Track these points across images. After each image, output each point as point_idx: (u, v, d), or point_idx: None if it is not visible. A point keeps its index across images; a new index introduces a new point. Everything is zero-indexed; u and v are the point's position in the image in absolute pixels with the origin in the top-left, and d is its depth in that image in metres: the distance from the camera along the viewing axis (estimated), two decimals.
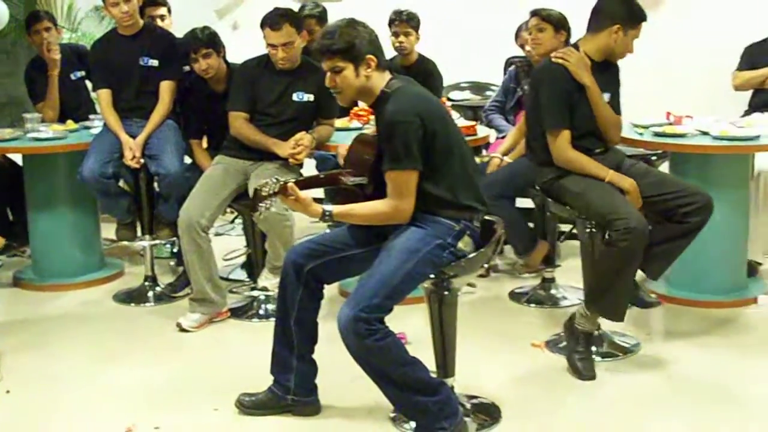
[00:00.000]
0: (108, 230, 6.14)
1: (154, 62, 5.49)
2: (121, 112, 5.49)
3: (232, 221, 7.11)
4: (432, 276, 3.59)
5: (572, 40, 4.96)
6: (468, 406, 3.86)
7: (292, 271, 3.75)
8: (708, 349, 4.56)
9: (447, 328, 3.74)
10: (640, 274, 4.36)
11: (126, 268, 6.17)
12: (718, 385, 4.18)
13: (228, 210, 5.64)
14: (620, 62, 4.54)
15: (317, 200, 3.63)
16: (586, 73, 4.33)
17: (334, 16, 4.93)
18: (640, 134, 5.17)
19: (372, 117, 5.20)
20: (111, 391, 4.24)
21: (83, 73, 6.22)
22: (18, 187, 5.92)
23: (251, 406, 3.93)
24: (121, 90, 5.53)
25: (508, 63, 6.38)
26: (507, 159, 5.42)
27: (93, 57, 5.78)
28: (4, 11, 6.82)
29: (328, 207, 3.58)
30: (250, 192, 4.79)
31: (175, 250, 5.95)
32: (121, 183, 5.63)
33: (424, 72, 5.90)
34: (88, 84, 6.25)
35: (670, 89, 6.73)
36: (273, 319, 3.94)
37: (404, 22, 6.02)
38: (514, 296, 5.43)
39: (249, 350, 4.66)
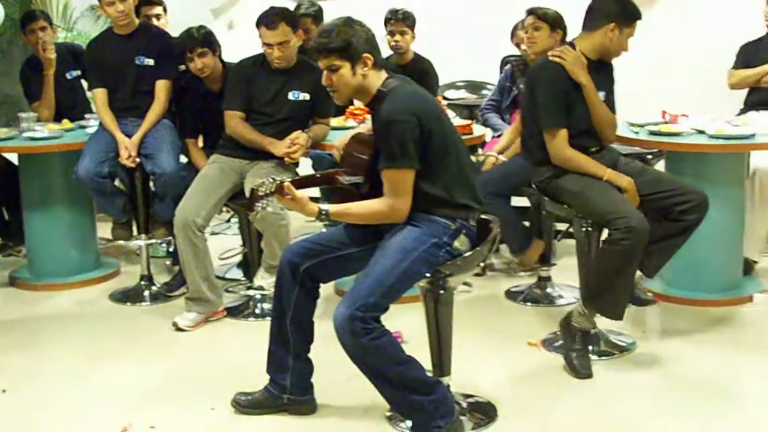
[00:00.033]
0: (104, 229, 6.13)
1: (150, 61, 5.49)
2: (116, 112, 5.49)
3: (228, 220, 7.11)
4: (428, 275, 3.59)
5: (568, 39, 4.96)
6: (464, 404, 3.86)
7: (288, 270, 3.75)
8: (704, 348, 4.56)
9: (443, 326, 3.74)
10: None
11: (122, 267, 6.16)
12: (714, 382, 4.18)
13: (224, 209, 5.63)
14: (616, 61, 4.55)
15: (313, 199, 3.63)
16: (582, 72, 4.33)
17: (329, 15, 4.92)
18: (636, 133, 5.17)
19: (367, 115, 5.20)
20: (107, 391, 4.24)
21: (79, 72, 6.21)
22: (13, 187, 5.91)
23: (247, 405, 3.93)
24: (116, 89, 5.52)
25: (504, 62, 6.38)
26: (502, 158, 5.42)
27: (88, 56, 5.77)
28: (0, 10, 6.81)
29: (325, 206, 3.58)
30: (247, 192, 4.78)
31: (171, 249, 5.95)
32: (117, 182, 5.63)
33: (420, 71, 5.90)
34: (84, 83, 6.23)
35: (665, 88, 6.74)
36: (269, 318, 3.93)
37: (400, 21, 6.02)
38: (511, 295, 5.44)
39: (245, 349, 4.65)
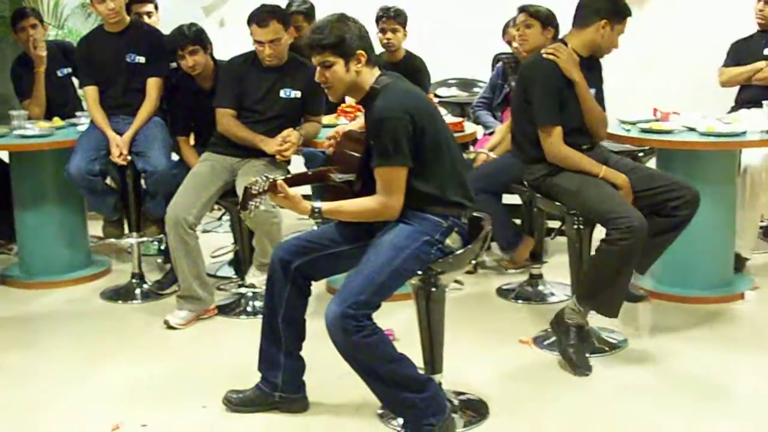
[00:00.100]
0: (95, 227, 6.12)
1: (141, 59, 5.49)
2: (107, 109, 5.48)
3: (220, 218, 7.10)
4: (420, 272, 3.59)
5: (559, 37, 4.97)
6: (456, 402, 3.86)
7: (280, 268, 3.74)
8: (695, 345, 4.57)
9: (434, 324, 3.74)
10: None
11: (113, 265, 6.15)
12: (706, 379, 4.19)
13: (215, 207, 5.63)
14: (608, 58, 4.55)
15: (305, 197, 3.63)
16: (576, 70, 4.34)
17: (321, 13, 4.92)
18: (627, 131, 5.18)
19: (359, 113, 5.20)
20: (98, 389, 4.23)
21: (70, 70, 6.19)
22: (4, 185, 5.89)
23: (239, 403, 3.92)
24: (107, 87, 5.52)
25: (496, 59, 6.39)
26: (492, 155, 5.43)
27: (79, 54, 5.76)
28: None
29: (317, 204, 3.58)
30: (239, 191, 4.78)
31: (162, 247, 5.94)
32: (108, 180, 5.62)
33: (412, 68, 5.90)
34: (75, 81, 6.22)
35: (657, 85, 6.76)
36: (260, 316, 3.93)
37: (391, 18, 6.02)
38: (502, 293, 5.44)
39: (236, 347, 4.65)
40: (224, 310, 5.20)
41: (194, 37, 5.23)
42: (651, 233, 4.24)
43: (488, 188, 5.14)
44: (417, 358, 3.68)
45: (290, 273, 3.73)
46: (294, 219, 6.14)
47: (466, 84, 7.46)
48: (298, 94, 5.08)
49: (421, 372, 3.64)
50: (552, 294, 5.33)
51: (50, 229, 5.79)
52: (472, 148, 5.90)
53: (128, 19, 5.58)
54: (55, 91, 6.13)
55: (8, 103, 6.46)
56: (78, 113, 5.91)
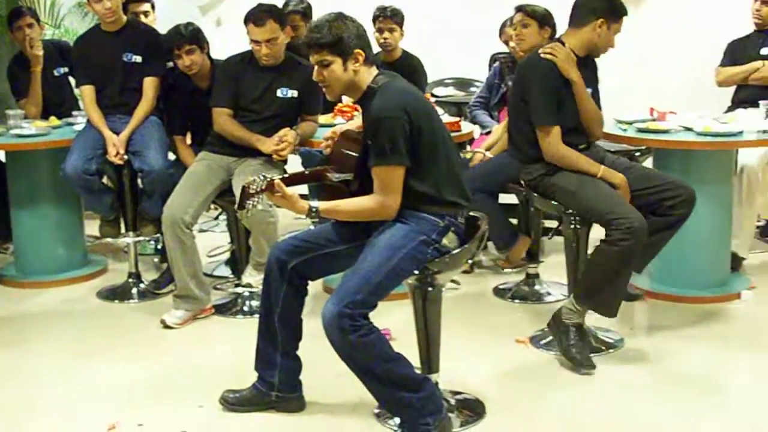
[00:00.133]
0: (91, 227, 6.12)
1: (138, 58, 5.48)
2: (104, 109, 5.48)
3: (216, 217, 7.10)
4: (416, 272, 3.59)
5: (556, 36, 4.97)
6: (452, 401, 3.86)
7: (276, 267, 3.74)
8: (692, 344, 4.57)
9: (431, 324, 3.74)
10: None
11: (109, 264, 6.15)
12: (702, 379, 4.19)
13: (212, 206, 5.62)
14: (604, 58, 4.55)
15: (302, 197, 3.63)
16: (573, 69, 4.34)
17: (318, 12, 4.92)
18: (624, 130, 5.17)
19: (356, 112, 5.20)
20: (94, 389, 4.23)
21: (66, 69, 6.19)
22: (1, 184, 5.89)
23: (235, 402, 3.92)
24: (104, 86, 5.51)
25: (493, 59, 6.39)
26: (488, 154, 5.43)
27: (76, 53, 5.76)
28: None
29: (315, 203, 3.57)
30: (236, 190, 4.78)
31: (159, 246, 5.94)
32: (105, 179, 5.61)
33: (408, 68, 5.91)
34: (72, 80, 6.22)
35: (653, 85, 6.76)
36: (257, 315, 3.92)
37: (388, 18, 6.03)
38: (498, 292, 5.44)
39: (233, 347, 4.65)
40: (221, 309, 5.19)
41: (191, 36, 5.23)
42: (647, 232, 4.25)
43: (485, 188, 5.14)
44: (413, 357, 3.68)
45: (287, 272, 3.73)
46: (291, 218, 6.14)
47: (462, 83, 7.46)
48: (294, 93, 5.08)
49: (418, 371, 3.64)
50: (548, 293, 5.32)
51: (46, 229, 5.78)
52: (468, 148, 5.90)
53: (125, 18, 5.58)
54: (51, 91, 6.13)
55: (5, 102, 6.45)
56: (75, 113, 5.90)
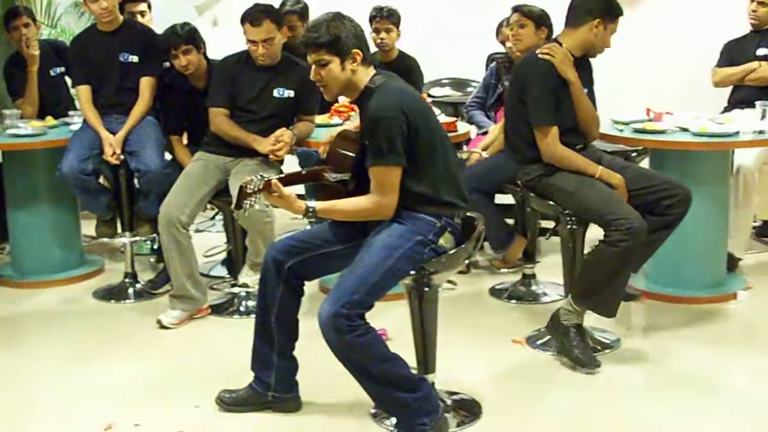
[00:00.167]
0: (88, 227, 6.11)
1: (134, 58, 5.48)
2: (100, 109, 5.47)
3: (213, 218, 7.10)
4: (413, 272, 3.59)
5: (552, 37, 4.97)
6: (448, 402, 3.86)
7: (273, 267, 3.74)
8: (688, 344, 4.57)
9: (427, 324, 3.74)
10: None
11: (106, 264, 6.14)
12: (698, 379, 4.19)
13: (208, 206, 5.62)
14: (600, 58, 4.55)
15: (299, 197, 3.63)
16: (571, 69, 4.34)
17: (315, 12, 4.92)
18: (621, 131, 5.18)
19: (353, 113, 5.20)
20: (90, 389, 4.22)
21: (63, 69, 6.18)
22: None
23: (232, 402, 3.92)
24: (100, 86, 5.51)
25: (490, 59, 6.39)
26: (485, 154, 5.43)
27: (72, 53, 5.75)
28: None
29: (311, 203, 3.57)
30: (232, 190, 4.78)
31: (155, 246, 5.92)
32: (101, 179, 5.60)
33: (405, 68, 5.91)
34: (68, 80, 6.22)
35: (650, 85, 6.76)
36: (254, 315, 3.92)
37: (385, 18, 6.03)
38: (495, 292, 5.44)
39: (229, 347, 4.65)
40: (217, 309, 5.19)
41: (187, 36, 5.22)
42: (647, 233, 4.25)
43: (481, 188, 5.14)
44: (410, 357, 3.68)
45: (283, 273, 3.73)
46: (287, 218, 6.14)
47: (459, 84, 7.46)
48: (291, 93, 5.08)
49: (414, 372, 3.64)
50: (545, 294, 5.32)
51: (43, 229, 5.78)
52: (465, 148, 5.90)
53: (121, 18, 5.57)
54: (47, 91, 6.13)
55: (1, 102, 6.45)
56: (71, 112, 5.90)
